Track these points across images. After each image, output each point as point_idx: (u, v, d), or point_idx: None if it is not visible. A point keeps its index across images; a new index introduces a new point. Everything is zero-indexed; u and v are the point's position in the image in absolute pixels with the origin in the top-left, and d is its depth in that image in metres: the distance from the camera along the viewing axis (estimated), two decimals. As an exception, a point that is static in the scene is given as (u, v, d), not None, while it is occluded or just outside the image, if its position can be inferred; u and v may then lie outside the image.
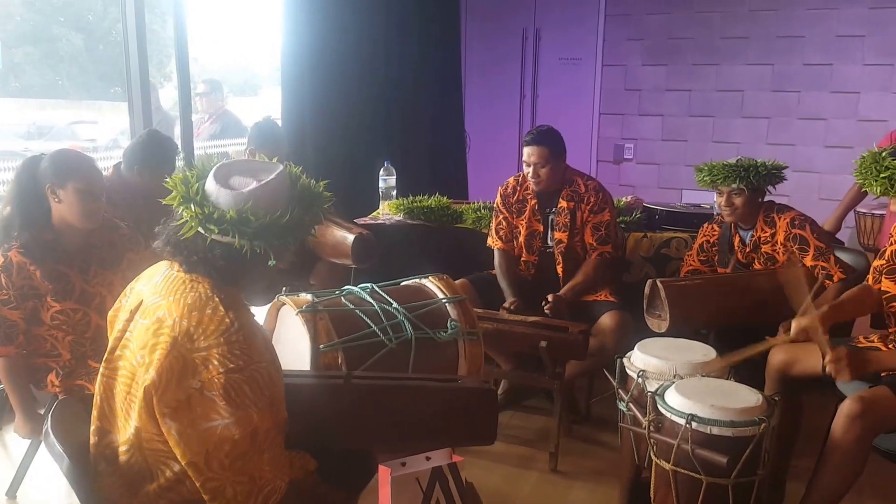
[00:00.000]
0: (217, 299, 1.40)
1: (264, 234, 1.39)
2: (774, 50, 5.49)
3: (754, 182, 2.70)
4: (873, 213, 5.05)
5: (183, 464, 1.35)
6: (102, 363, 1.49)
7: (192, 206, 1.40)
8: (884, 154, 2.13)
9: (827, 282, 2.67)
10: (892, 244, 2.26)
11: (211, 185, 1.44)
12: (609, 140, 6.14)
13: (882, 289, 2.26)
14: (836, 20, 5.29)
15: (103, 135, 5.91)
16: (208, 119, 5.16)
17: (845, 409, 1.98)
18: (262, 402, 1.36)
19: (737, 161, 2.76)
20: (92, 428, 1.52)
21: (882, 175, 2.09)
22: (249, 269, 1.45)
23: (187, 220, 1.41)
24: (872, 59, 5.22)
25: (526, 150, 3.09)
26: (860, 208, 5.14)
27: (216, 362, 1.33)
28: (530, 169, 3.09)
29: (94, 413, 1.51)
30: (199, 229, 1.40)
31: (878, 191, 2.12)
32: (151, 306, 1.42)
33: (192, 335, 1.35)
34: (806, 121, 5.47)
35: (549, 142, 3.07)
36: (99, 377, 1.50)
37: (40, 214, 2.26)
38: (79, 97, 6.28)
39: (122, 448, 1.42)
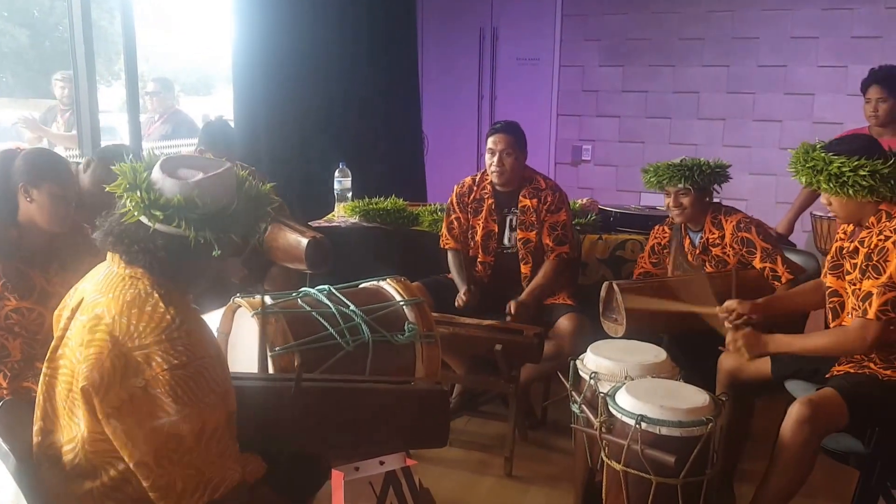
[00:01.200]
0: (157, 295, 1.41)
1: (209, 223, 1.41)
2: (730, 51, 5.64)
3: (699, 181, 2.80)
4: (829, 217, 5.22)
5: (131, 464, 1.36)
6: (45, 362, 1.50)
7: (137, 192, 1.41)
8: (816, 146, 2.24)
9: (775, 283, 2.77)
10: (837, 241, 2.37)
11: (157, 174, 1.45)
12: (567, 142, 6.23)
13: (826, 283, 2.37)
14: (790, 21, 5.45)
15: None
16: (158, 119, 5.10)
17: (794, 412, 2.07)
18: (210, 397, 1.38)
19: (681, 161, 2.86)
20: (35, 428, 1.53)
21: (807, 165, 2.19)
22: (192, 262, 1.46)
23: (131, 208, 1.42)
24: (826, 60, 5.40)
25: (492, 139, 3.14)
26: (816, 211, 5.29)
27: (159, 359, 1.34)
28: (495, 158, 3.12)
29: (37, 412, 1.52)
30: (143, 217, 1.41)
31: (804, 181, 2.24)
32: (91, 303, 1.43)
33: (132, 333, 1.36)
34: (761, 122, 5.62)
35: (515, 131, 3.15)
36: (42, 376, 1.50)
37: (7, 211, 2.26)
38: (24, 95, 6.17)
39: (66, 447, 1.43)
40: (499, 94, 6.38)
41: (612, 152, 6.09)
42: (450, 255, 3.32)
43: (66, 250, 2.40)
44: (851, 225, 2.31)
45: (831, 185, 2.15)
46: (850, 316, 2.24)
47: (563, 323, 3.03)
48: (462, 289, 3.12)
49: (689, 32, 5.72)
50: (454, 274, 3.27)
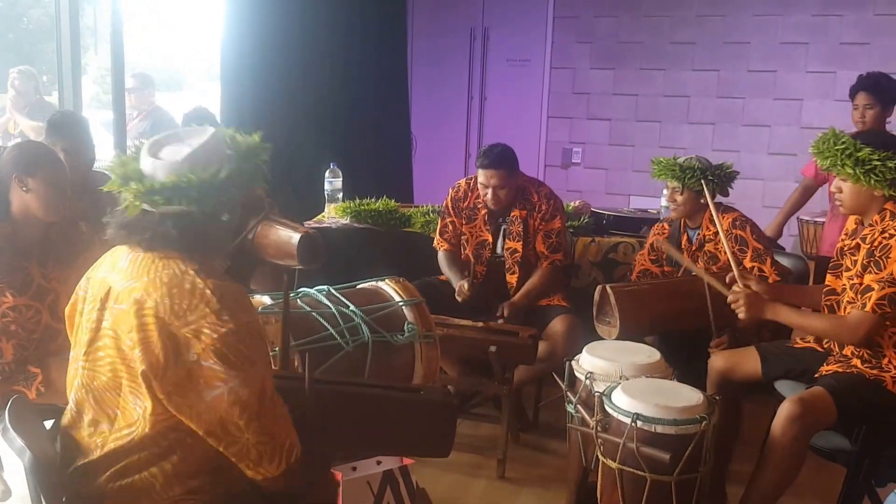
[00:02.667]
0: (192, 272, 1.46)
1: (208, 192, 1.46)
2: (720, 56, 5.77)
3: (689, 184, 2.92)
4: (815, 221, 5.36)
5: (202, 434, 1.42)
6: (81, 357, 1.54)
7: (131, 184, 1.47)
8: (844, 134, 2.37)
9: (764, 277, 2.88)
10: (839, 243, 2.49)
11: (146, 162, 1.50)
12: (557, 144, 6.33)
13: (826, 283, 2.49)
14: (780, 27, 5.59)
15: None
16: (137, 116, 5.09)
17: (784, 410, 2.18)
18: (259, 355, 1.45)
19: (684, 160, 2.99)
20: (65, 420, 1.58)
21: (836, 147, 2.31)
22: (207, 233, 1.51)
23: (130, 200, 1.47)
24: (815, 66, 5.54)
25: (484, 174, 3.17)
26: (803, 216, 5.44)
27: (207, 331, 1.40)
28: (489, 191, 3.18)
29: (73, 406, 1.56)
30: (145, 206, 1.46)
31: (827, 163, 2.34)
32: (125, 290, 1.47)
33: (178, 312, 1.41)
34: (750, 127, 5.76)
35: (507, 163, 3.17)
36: (80, 370, 1.54)
37: None
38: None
39: (123, 433, 1.47)
40: (489, 95, 6.46)
41: (603, 155, 6.20)
42: (442, 255, 3.38)
43: (61, 243, 2.47)
44: (854, 224, 2.44)
45: (856, 171, 2.26)
46: (844, 310, 2.36)
47: (557, 324, 3.11)
48: (457, 284, 3.17)
49: (681, 36, 5.84)
50: (447, 272, 3.32)
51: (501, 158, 3.16)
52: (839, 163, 2.30)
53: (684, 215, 3.04)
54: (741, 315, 2.45)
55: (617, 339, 2.75)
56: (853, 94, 3.52)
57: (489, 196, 3.19)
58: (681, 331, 2.84)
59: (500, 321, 3.07)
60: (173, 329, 1.41)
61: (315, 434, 1.65)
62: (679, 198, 2.98)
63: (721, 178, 2.96)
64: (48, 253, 2.43)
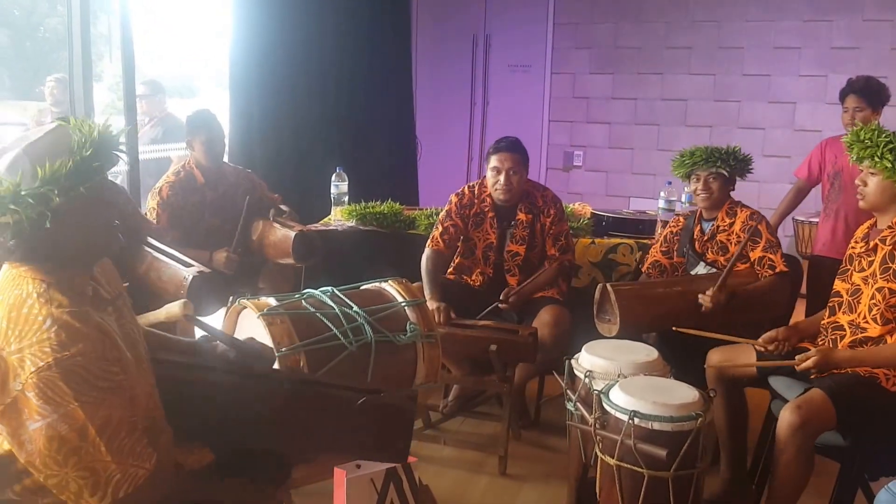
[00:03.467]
0: (35, 295, 1.40)
1: (39, 197, 1.36)
2: (716, 60, 5.78)
3: (732, 166, 2.92)
4: (810, 222, 5.36)
5: (23, 462, 1.37)
6: None
7: None
8: (873, 128, 2.38)
9: (767, 272, 2.87)
10: (849, 250, 2.49)
11: None
12: (558, 147, 6.34)
13: (833, 288, 2.49)
14: (774, 32, 5.60)
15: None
16: (149, 122, 5.11)
17: (785, 420, 2.16)
18: (87, 396, 1.35)
19: (711, 147, 2.98)
20: None
21: (878, 139, 2.31)
22: (46, 240, 1.42)
23: None
24: (807, 70, 5.55)
25: (498, 157, 3.17)
26: (798, 216, 5.44)
27: (28, 362, 1.34)
28: (502, 175, 3.16)
29: None
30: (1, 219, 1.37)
31: (864, 154, 2.34)
32: None
33: (9, 337, 1.37)
34: (746, 130, 5.77)
35: (521, 150, 3.21)
36: None
37: None
38: (2, 97, 6.16)
39: None
40: (491, 100, 6.48)
41: (603, 158, 6.21)
42: (429, 253, 3.27)
43: None
44: (865, 228, 2.44)
45: (895, 165, 2.26)
46: (858, 310, 2.35)
47: (543, 315, 3.08)
48: (434, 304, 3.02)
49: (677, 42, 5.86)
50: (426, 275, 3.20)
51: (516, 144, 3.21)
52: (878, 154, 2.29)
53: (715, 205, 2.99)
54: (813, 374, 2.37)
55: (616, 336, 2.75)
56: (843, 97, 3.52)
57: (501, 181, 3.16)
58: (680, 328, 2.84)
59: (502, 306, 3.08)
60: (4, 354, 1.36)
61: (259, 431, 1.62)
62: (715, 185, 2.95)
63: (745, 161, 2.98)
64: None
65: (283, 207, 3.53)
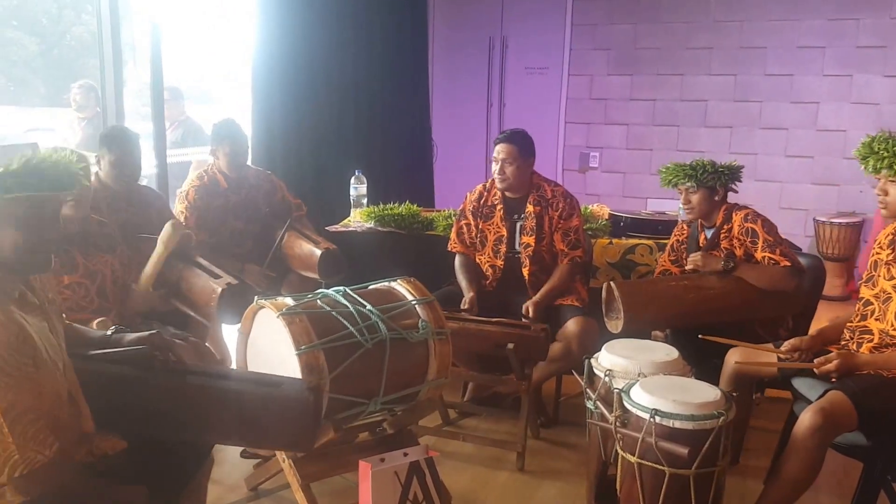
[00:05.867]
0: None
1: None
2: (737, 61, 5.76)
3: (703, 180, 2.94)
4: (832, 222, 5.33)
5: None
6: None
7: None
8: (886, 136, 2.36)
9: (776, 265, 2.87)
10: (872, 256, 2.48)
11: None
12: (575, 149, 6.34)
13: (860, 295, 2.48)
14: (796, 32, 5.56)
15: (62, 143, 5.89)
16: (170, 126, 5.20)
17: (807, 421, 2.15)
18: None
19: (691, 162, 3.00)
20: None
21: (894, 148, 2.31)
22: None
23: None
24: (831, 70, 5.51)
25: (496, 149, 3.27)
26: (819, 217, 5.42)
27: None
28: (497, 166, 3.25)
29: None
30: None
31: (882, 164, 2.32)
32: None
33: None
34: (767, 130, 5.74)
35: (518, 141, 3.25)
36: None
37: None
38: (31, 104, 6.26)
39: None
40: (507, 101, 6.49)
41: (620, 159, 6.20)
42: (457, 259, 3.42)
43: (98, 237, 2.71)
44: (889, 234, 2.41)
45: None
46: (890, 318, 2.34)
47: (571, 325, 3.12)
48: (468, 295, 3.22)
49: (697, 42, 5.84)
50: (460, 278, 3.36)
51: (512, 135, 3.27)
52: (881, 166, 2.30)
53: (700, 216, 3.04)
54: (833, 377, 2.36)
55: (622, 331, 2.77)
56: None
57: (496, 171, 3.25)
58: (694, 328, 2.84)
59: (525, 321, 3.09)
60: None
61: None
62: (694, 198, 2.99)
63: (730, 171, 2.98)
64: (87, 243, 2.65)
65: (301, 216, 3.63)
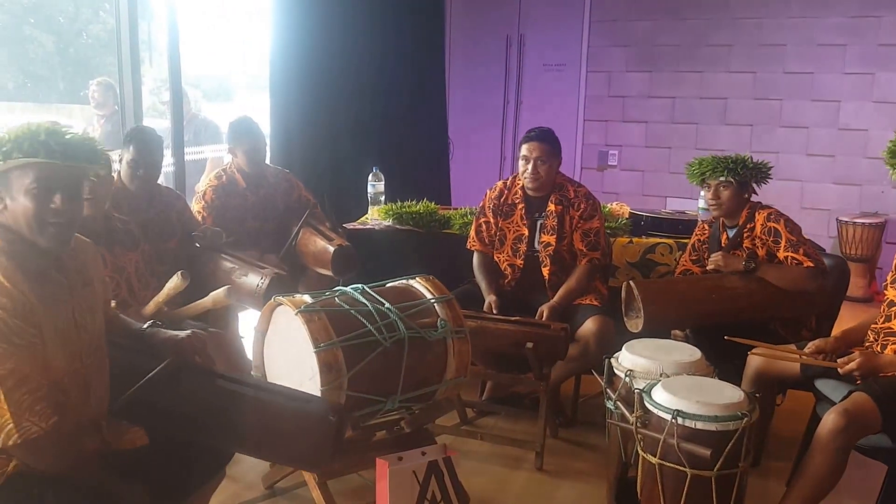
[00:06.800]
0: None
1: None
2: (757, 58, 5.70)
3: (741, 174, 2.90)
4: (854, 222, 5.28)
5: None
6: None
7: None
8: None
9: (799, 265, 2.84)
10: None
11: None
12: (593, 147, 6.31)
13: (887, 296, 2.44)
14: (817, 29, 5.51)
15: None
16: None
17: (830, 423, 2.12)
18: None
19: (725, 156, 2.97)
20: None
21: None
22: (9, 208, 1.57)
23: None
24: (853, 67, 5.45)
25: (527, 146, 3.20)
26: (842, 217, 5.36)
27: None
28: (530, 165, 3.18)
29: None
30: None
31: None
32: None
33: None
34: (788, 129, 5.69)
35: (551, 140, 3.21)
36: None
37: None
38: (48, 100, 6.32)
39: None
40: (524, 99, 6.47)
41: (639, 157, 6.16)
42: (475, 257, 3.40)
43: (121, 233, 2.72)
44: None
45: None
46: None
47: (589, 325, 3.09)
48: (489, 298, 3.19)
49: (717, 39, 5.80)
50: (479, 277, 3.34)
51: (545, 133, 3.22)
52: None
53: (726, 213, 2.99)
54: (857, 377, 2.34)
55: (643, 331, 2.75)
56: None
57: (529, 170, 3.19)
58: (717, 328, 2.81)
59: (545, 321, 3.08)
60: None
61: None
62: (725, 193, 2.94)
63: (759, 168, 2.95)
64: (112, 240, 2.65)
65: (318, 212, 3.62)
